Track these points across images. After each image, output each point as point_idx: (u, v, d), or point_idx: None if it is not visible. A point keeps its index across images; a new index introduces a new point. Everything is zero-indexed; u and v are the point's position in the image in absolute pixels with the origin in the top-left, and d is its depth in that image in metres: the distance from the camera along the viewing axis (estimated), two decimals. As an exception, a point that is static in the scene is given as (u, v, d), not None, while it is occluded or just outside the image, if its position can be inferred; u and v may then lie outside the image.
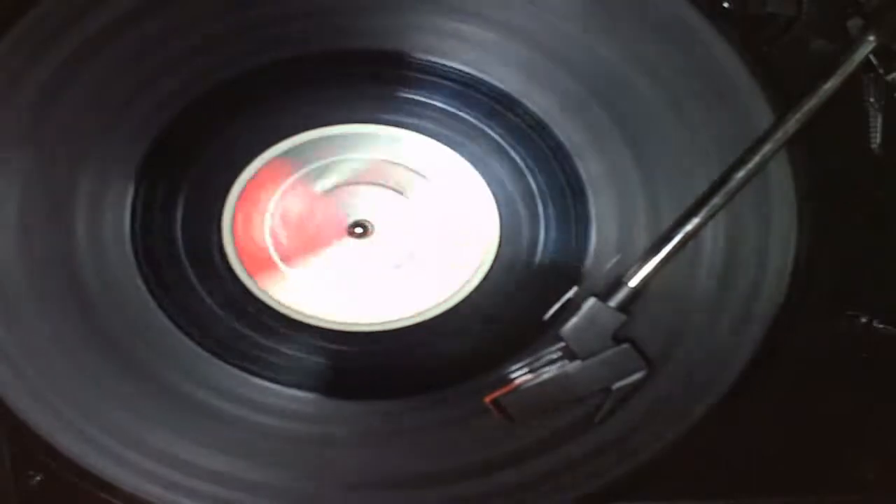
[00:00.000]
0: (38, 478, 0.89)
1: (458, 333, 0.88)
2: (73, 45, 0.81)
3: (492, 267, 0.86)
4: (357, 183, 0.86)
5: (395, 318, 0.88)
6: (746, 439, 0.91)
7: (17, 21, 0.80)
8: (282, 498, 0.90)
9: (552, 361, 0.85)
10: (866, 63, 0.83)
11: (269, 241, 0.86)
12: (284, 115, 0.84)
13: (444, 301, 0.87)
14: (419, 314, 0.88)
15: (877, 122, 0.87)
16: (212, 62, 0.83)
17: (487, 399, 0.84)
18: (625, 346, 0.83)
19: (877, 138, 0.88)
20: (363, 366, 0.89)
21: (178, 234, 0.85)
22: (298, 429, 0.89)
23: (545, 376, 0.84)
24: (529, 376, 0.85)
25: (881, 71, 0.84)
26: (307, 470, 0.90)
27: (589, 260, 0.86)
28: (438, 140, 0.84)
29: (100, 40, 0.81)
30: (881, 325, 0.90)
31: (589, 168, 0.84)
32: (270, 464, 0.89)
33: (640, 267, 0.82)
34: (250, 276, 0.86)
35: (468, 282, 0.87)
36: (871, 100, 0.87)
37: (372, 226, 0.87)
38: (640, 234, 0.85)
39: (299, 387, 0.89)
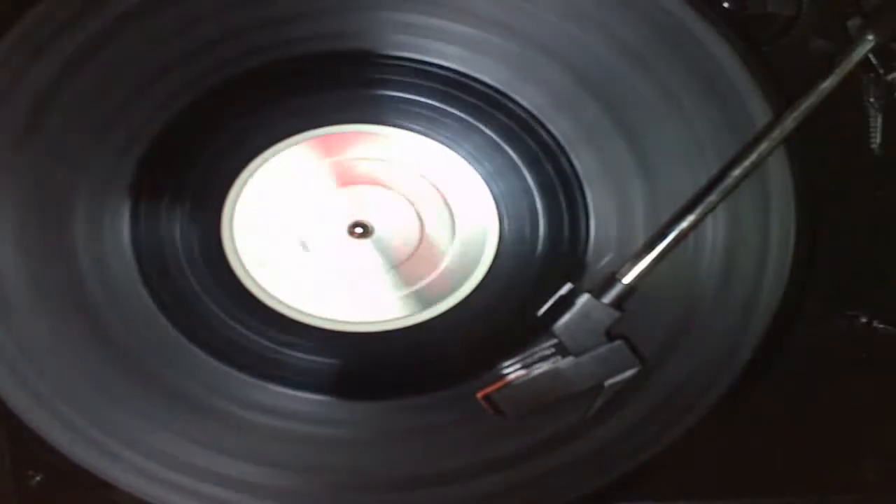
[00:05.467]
0: (38, 478, 0.89)
1: (458, 333, 0.87)
2: (73, 45, 0.81)
3: (491, 265, 0.86)
4: (357, 183, 0.86)
5: (395, 318, 0.88)
6: (746, 439, 0.91)
7: (17, 21, 0.80)
8: (282, 499, 0.90)
9: (545, 358, 0.85)
10: (866, 63, 0.83)
11: (269, 242, 0.87)
12: (282, 117, 0.84)
13: (444, 301, 0.87)
14: (419, 314, 0.88)
15: (877, 122, 0.87)
16: (211, 63, 0.83)
17: (479, 395, 0.84)
18: (618, 342, 0.83)
19: (877, 138, 0.88)
20: (363, 366, 0.89)
21: (178, 235, 0.85)
22: (299, 429, 0.89)
23: (537, 372, 0.84)
24: (522, 372, 0.85)
25: (881, 71, 0.85)
26: (307, 470, 0.90)
27: (588, 254, 0.86)
28: (433, 139, 0.84)
29: (100, 41, 0.81)
30: (881, 325, 0.90)
31: (587, 165, 0.84)
32: (272, 465, 0.89)
33: (635, 264, 0.82)
34: (251, 276, 0.86)
35: (468, 281, 0.87)
36: (871, 100, 0.87)
37: (371, 226, 0.87)
38: (638, 227, 0.84)
39: (301, 388, 0.89)
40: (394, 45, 0.83)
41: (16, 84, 0.81)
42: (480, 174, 0.85)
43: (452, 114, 0.84)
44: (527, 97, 0.84)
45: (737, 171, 0.81)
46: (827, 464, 0.93)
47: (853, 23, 0.83)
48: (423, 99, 0.84)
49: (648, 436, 0.88)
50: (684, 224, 0.82)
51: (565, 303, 0.84)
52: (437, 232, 0.87)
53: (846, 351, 0.91)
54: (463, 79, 0.84)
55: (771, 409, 0.91)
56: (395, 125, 0.84)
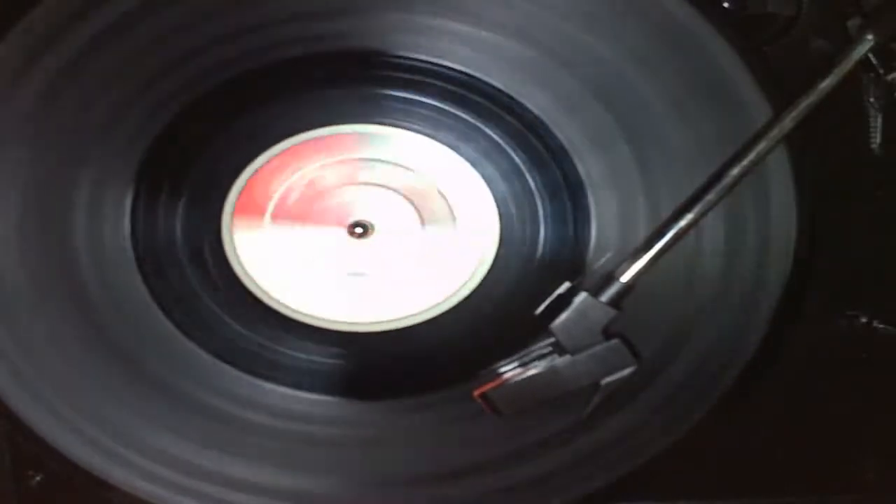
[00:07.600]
0: (38, 478, 0.89)
1: (459, 333, 0.87)
2: (73, 45, 0.81)
3: (492, 266, 0.86)
4: (357, 183, 0.86)
5: (396, 318, 0.88)
6: (746, 439, 0.91)
7: (18, 21, 0.80)
8: (283, 499, 0.90)
9: (542, 356, 0.85)
10: (866, 63, 0.83)
11: (270, 242, 0.87)
12: (283, 117, 0.84)
13: (445, 301, 0.87)
14: (419, 314, 0.87)
15: (877, 122, 0.87)
16: (212, 62, 0.83)
17: (476, 393, 0.84)
18: (615, 341, 0.83)
19: (877, 138, 0.88)
20: (363, 367, 0.89)
21: (179, 235, 0.85)
22: (298, 429, 0.89)
23: (534, 371, 0.84)
24: (519, 371, 0.85)
25: (881, 71, 0.85)
26: (307, 470, 0.90)
27: (589, 258, 0.86)
28: (437, 140, 0.84)
29: (100, 40, 0.81)
30: (881, 325, 0.90)
31: (588, 167, 0.85)
32: (272, 465, 0.89)
33: (633, 262, 0.82)
34: (250, 276, 0.86)
35: (468, 282, 0.87)
36: (871, 100, 0.87)
37: (372, 226, 0.87)
38: (640, 232, 0.84)
39: (299, 387, 0.89)
40: (397, 45, 0.83)
41: (16, 84, 0.81)
42: (483, 176, 0.85)
43: (456, 115, 0.84)
44: (531, 100, 0.84)
45: (735, 171, 0.81)
46: (827, 464, 0.93)
47: (853, 23, 0.83)
48: (426, 100, 0.84)
49: (648, 436, 0.88)
50: (683, 223, 0.81)
51: (563, 301, 0.84)
52: (438, 232, 0.87)
53: (846, 351, 0.91)
54: (467, 80, 0.84)
55: (771, 409, 0.91)
56: (397, 126, 0.84)
